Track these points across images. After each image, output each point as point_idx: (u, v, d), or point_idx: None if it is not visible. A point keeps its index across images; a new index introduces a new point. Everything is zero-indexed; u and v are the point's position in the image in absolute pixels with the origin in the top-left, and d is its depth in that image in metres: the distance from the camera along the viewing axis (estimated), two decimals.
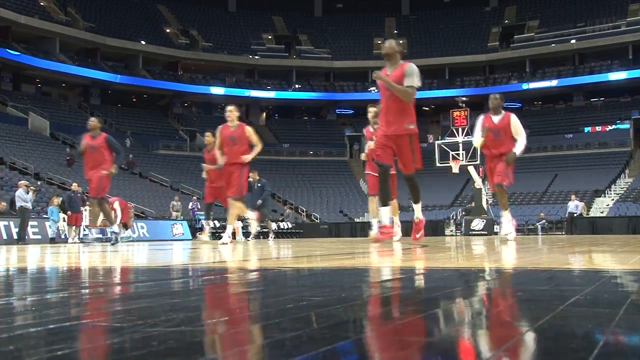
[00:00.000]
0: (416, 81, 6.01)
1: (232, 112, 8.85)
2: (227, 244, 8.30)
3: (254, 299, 1.49)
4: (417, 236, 6.40)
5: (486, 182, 37.33)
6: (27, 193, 16.34)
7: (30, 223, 17.59)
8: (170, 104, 49.96)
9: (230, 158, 8.77)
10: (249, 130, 8.85)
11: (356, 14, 55.33)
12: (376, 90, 46.99)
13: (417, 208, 6.54)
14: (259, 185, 14.83)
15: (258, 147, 8.90)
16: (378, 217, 7.02)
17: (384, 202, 6.18)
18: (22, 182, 16.72)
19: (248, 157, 8.76)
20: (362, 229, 30.75)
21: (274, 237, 15.51)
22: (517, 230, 31.58)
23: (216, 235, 18.77)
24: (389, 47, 6.17)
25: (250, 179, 15.03)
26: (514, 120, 8.23)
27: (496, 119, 8.27)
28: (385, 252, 4.61)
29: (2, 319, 1.14)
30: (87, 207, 19.16)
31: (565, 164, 41.42)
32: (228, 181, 8.89)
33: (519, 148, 8.11)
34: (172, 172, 38.56)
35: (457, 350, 0.80)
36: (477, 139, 8.35)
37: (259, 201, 15.06)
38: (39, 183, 25.73)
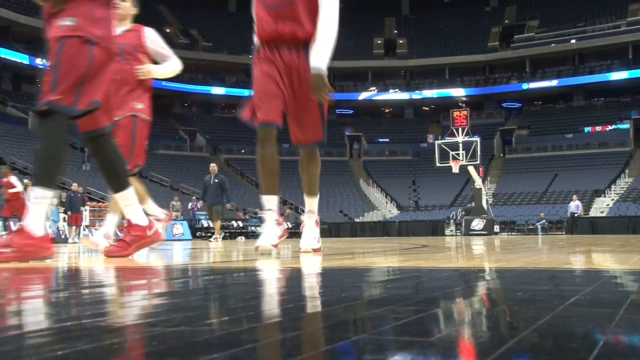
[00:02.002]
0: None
1: None
2: None
3: (253, 299, 1.49)
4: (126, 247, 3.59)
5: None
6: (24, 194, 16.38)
7: None
8: (170, 104, 49.96)
9: None
10: None
11: (356, 14, 55.34)
12: (375, 90, 46.72)
13: (120, 197, 3.55)
14: (216, 181, 13.26)
15: None
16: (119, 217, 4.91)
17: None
18: (26, 181, 16.84)
19: None
20: (362, 229, 30.81)
21: (221, 239, 13.91)
22: (517, 230, 31.40)
23: (203, 236, 18.61)
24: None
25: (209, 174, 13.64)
26: None
27: None
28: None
29: (1, 319, 1.14)
30: (87, 207, 19.20)
31: (565, 164, 41.46)
32: None
33: (326, 35, 4.02)
34: (172, 172, 38.57)
35: (457, 351, 0.80)
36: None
37: (226, 203, 13.47)
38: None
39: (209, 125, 49.45)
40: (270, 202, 4.08)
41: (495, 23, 53.53)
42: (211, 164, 14.25)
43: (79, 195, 18.44)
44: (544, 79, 48.57)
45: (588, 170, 39.61)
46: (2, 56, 38.65)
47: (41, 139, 3.06)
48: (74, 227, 17.99)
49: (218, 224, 13.93)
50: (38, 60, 40.40)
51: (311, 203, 4.47)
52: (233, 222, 28.27)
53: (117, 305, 1.37)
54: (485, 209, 27.47)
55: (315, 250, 4.20)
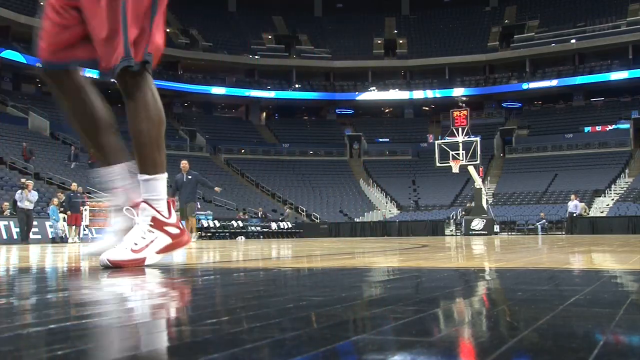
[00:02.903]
0: None
1: None
2: None
3: (253, 299, 1.49)
4: None
5: (486, 183, 37.18)
6: (21, 193, 16.44)
7: None
8: (170, 104, 49.94)
9: None
10: None
11: (356, 14, 55.34)
12: (375, 90, 46.91)
13: None
14: (189, 177, 13.28)
15: None
16: None
17: None
18: (29, 182, 17.03)
19: None
20: (362, 229, 30.81)
21: (198, 238, 13.98)
22: (517, 230, 31.45)
23: (203, 236, 18.57)
24: None
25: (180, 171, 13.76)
26: None
27: None
28: None
29: (1, 318, 1.14)
30: (86, 207, 19.19)
31: (565, 164, 41.45)
32: None
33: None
34: (172, 172, 38.45)
35: (457, 350, 0.80)
36: None
37: (213, 187, 13.90)
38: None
39: (209, 125, 49.44)
40: (119, 173, 2.60)
41: (495, 23, 53.51)
42: (182, 161, 14.12)
43: (78, 195, 18.44)
44: (544, 79, 48.55)
45: (588, 170, 39.60)
46: (2, 56, 38.64)
47: None
48: (73, 227, 17.99)
49: (194, 221, 13.89)
50: None
51: (146, 185, 2.53)
52: (233, 222, 28.27)
53: (116, 305, 1.37)
54: (485, 208, 27.47)
55: (119, 264, 2.39)
